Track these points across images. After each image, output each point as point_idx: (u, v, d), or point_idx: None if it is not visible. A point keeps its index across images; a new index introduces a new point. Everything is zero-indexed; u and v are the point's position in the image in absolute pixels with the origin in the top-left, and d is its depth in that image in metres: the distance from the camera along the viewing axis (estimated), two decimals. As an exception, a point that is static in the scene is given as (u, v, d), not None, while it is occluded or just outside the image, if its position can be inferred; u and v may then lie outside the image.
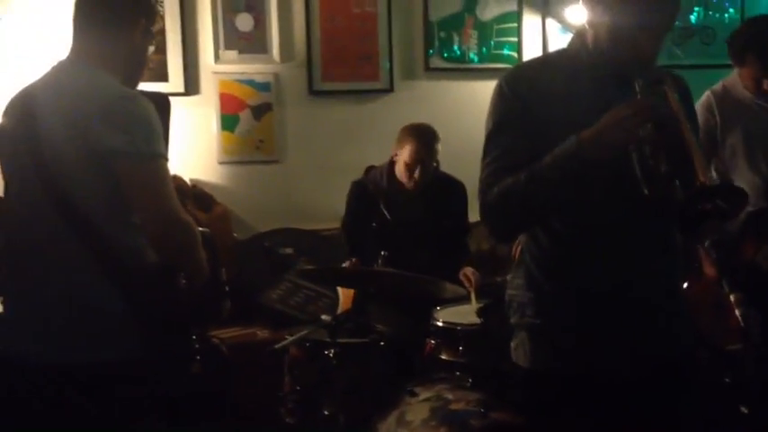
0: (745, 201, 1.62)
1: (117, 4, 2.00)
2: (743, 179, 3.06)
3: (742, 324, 1.84)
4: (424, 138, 3.49)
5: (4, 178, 2.03)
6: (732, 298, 1.80)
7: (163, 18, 4.05)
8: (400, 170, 3.55)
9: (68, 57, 2.00)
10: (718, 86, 3.22)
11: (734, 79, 3.17)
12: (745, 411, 2.51)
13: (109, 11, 1.99)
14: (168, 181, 1.89)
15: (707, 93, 3.22)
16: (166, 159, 1.90)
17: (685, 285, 2.86)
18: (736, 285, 1.88)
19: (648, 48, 1.78)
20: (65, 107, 1.87)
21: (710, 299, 2.72)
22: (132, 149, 1.83)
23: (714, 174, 3.22)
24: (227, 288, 2.45)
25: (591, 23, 1.84)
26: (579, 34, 1.91)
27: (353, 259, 3.53)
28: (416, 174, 3.49)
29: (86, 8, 2.00)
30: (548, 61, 2.02)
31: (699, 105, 3.21)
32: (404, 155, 3.51)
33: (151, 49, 2.10)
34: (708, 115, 3.16)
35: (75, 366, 1.87)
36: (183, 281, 1.92)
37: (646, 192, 1.68)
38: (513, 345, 2.00)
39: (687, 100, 1.94)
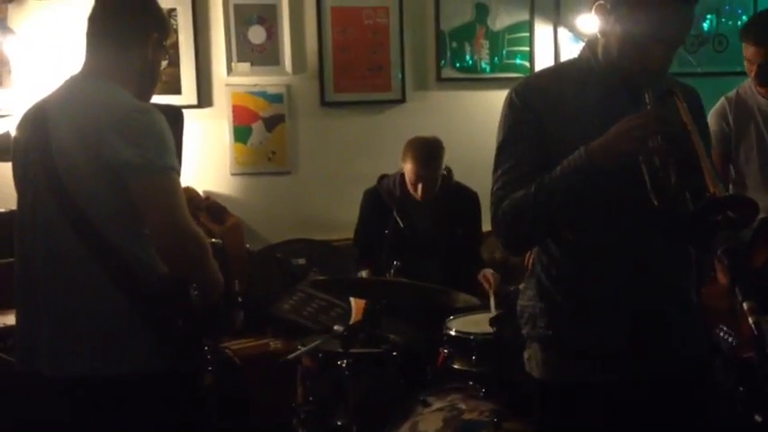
0: (756, 211, 1.61)
1: (130, 19, 2.01)
2: (757, 185, 3.04)
3: (755, 332, 1.83)
4: (422, 156, 3.49)
5: (18, 191, 2.04)
6: (745, 306, 1.78)
7: (176, 31, 4.08)
8: (407, 182, 3.58)
9: (81, 71, 2.02)
10: (732, 93, 3.20)
11: (748, 85, 3.15)
12: (759, 420, 2.48)
13: (122, 25, 2.00)
14: (179, 194, 1.90)
15: (722, 99, 3.20)
16: (178, 173, 1.91)
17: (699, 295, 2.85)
18: (750, 293, 1.86)
19: (660, 59, 1.76)
20: (77, 121, 1.89)
21: (725, 306, 2.69)
22: (144, 162, 1.84)
23: (733, 174, 3.20)
24: (239, 299, 2.47)
25: (603, 33, 1.83)
26: (590, 44, 1.90)
27: (366, 269, 3.55)
28: (419, 190, 3.52)
29: (99, 23, 2.01)
30: (558, 71, 2.01)
31: (713, 112, 3.18)
32: (406, 172, 3.54)
33: (164, 62, 2.10)
34: (722, 122, 3.14)
35: (88, 379, 1.87)
36: (196, 292, 1.92)
37: (656, 203, 1.67)
38: (525, 355, 2.00)
39: (698, 111, 1.93)
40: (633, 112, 1.70)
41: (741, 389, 2.56)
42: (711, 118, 3.16)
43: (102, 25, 2.01)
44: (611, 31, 1.80)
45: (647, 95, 1.74)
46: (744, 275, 2.36)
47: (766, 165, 3.06)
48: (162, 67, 2.09)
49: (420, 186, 3.51)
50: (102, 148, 1.84)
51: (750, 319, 1.80)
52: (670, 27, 1.74)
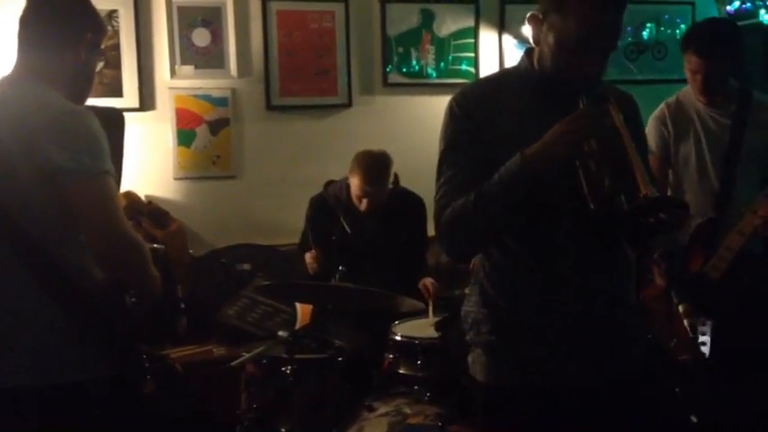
0: (687, 212, 1.65)
1: (61, 19, 1.96)
2: (694, 189, 3.08)
3: (690, 334, 1.88)
4: (370, 175, 3.50)
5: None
6: (680, 309, 1.82)
7: (117, 33, 4.02)
8: (352, 194, 3.58)
9: (12, 72, 1.96)
10: (672, 99, 3.24)
11: (688, 91, 3.19)
12: (695, 420, 2.54)
13: (53, 26, 1.95)
14: (115, 198, 1.86)
15: (662, 105, 3.24)
16: (113, 176, 1.86)
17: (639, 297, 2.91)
18: (685, 296, 1.90)
19: (592, 66, 1.80)
20: (9, 123, 1.83)
21: (664, 309, 2.75)
22: (77, 166, 1.79)
23: (672, 179, 3.25)
24: (182, 305, 2.42)
25: (537, 42, 1.87)
26: (527, 53, 1.93)
27: (309, 254, 3.52)
28: (364, 204, 3.53)
29: (30, 24, 1.96)
30: (497, 80, 2.04)
31: (653, 118, 3.22)
32: (352, 186, 3.54)
33: (100, 64, 2.05)
34: (662, 128, 3.18)
35: (22, 389, 1.83)
36: (133, 299, 1.89)
37: (591, 206, 1.70)
38: (469, 360, 2.01)
39: (634, 116, 1.98)
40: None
41: (677, 390, 2.61)
42: (651, 123, 3.22)
43: (34, 26, 1.95)
44: (544, 40, 1.83)
45: (581, 102, 1.77)
46: (679, 279, 2.42)
47: (703, 169, 3.10)
48: (98, 69, 2.04)
49: (365, 201, 3.52)
50: (33, 153, 1.79)
51: (685, 322, 1.84)
52: (599, 35, 1.78)
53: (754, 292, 2.85)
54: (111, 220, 1.82)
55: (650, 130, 3.15)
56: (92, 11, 2.02)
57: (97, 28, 2.02)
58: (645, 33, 4.94)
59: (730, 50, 3.01)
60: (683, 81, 3.28)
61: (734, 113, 3.04)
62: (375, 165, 3.54)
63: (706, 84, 3.03)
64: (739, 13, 4.88)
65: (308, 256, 3.58)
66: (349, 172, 3.57)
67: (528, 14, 1.85)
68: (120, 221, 1.83)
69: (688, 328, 1.81)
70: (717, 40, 2.99)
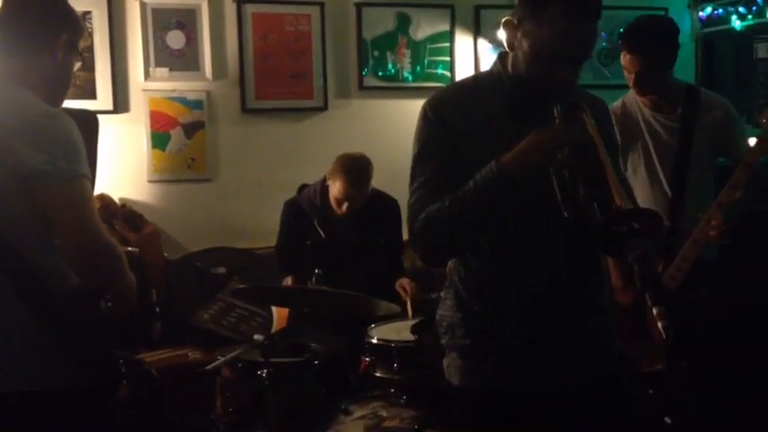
0: (660, 222, 1.67)
1: (36, 20, 1.92)
2: (644, 198, 3.00)
3: (664, 336, 1.89)
4: (354, 177, 3.51)
5: None
6: (655, 311, 1.83)
7: (91, 35, 3.99)
8: (332, 198, 3.58)
9: None
10: (618, 103, 3.13)
11: (632, 95, 3.10)
12: (669, 422, 2.56)
13: (27, 28, 1.91)
14: (91, 202, 1.83)
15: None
16: (88, 179, 1.84)
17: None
18: (659, 299, 1.91)
19: (566, 74, 1.80)
20: None
21: (626, 321, 2.75)
22: (52, 169, 1.76)
23: None
24: (157, 309, 2.40)
25: (511, 47, 1.87)
26: (501, 58, 1.94)
27: (289, 278, 3.53)
28: (344, 207, 3.53)
29: (4, 26, 1.93)
30: (470, 85, 2.03)
31: None
32: (334, 189, 3.54)
33: (77, 65, 2.03)
34: None
35: None
36: (109, 303, 1.86)
37: (565, 214, 1.72)
38: (445, 363, 2.02)
39: (606, 123, 1.99)
40: (543, 126, 1.74)
41: (651, 392, 2.63)
42: None
43: (7, 27, 1.92)
44: (518, 46, 1.84)
45: (555, 109, 1.78)
46: (654, 281, 2.42)
47: (654, 177, 3.05)
48: (75, 69, 2.01)
49: (346, 204, 3.52)
50: (7, 155, 1.76)
51: (660, 324, 1.85)
52: (574, 45, 1.78)
53: (711, 299, 2.84)
54: (87, 224, 1.79)
55: None
56: (68, 11, 1.99)
57: (74, 28, 1.98)
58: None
59: (659, 45, 2.93)
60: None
61: (681, 117, 2.96)
62: (358, 167, 3.55)
63: (638, 81, 2.96)
64: (711, 20, 4.95)
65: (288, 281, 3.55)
66: (330, 176, 3.57)
67: (503, 19, 1.86)
68: (95, 225, 1.80)
69: (662, 330, 1.81)
70: (644, 35, 2.93)
